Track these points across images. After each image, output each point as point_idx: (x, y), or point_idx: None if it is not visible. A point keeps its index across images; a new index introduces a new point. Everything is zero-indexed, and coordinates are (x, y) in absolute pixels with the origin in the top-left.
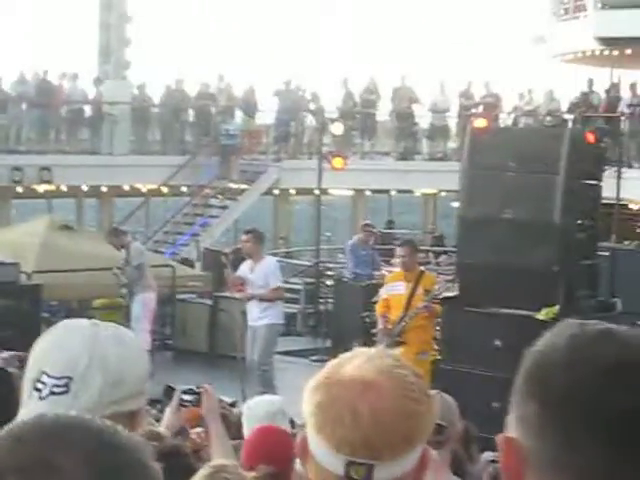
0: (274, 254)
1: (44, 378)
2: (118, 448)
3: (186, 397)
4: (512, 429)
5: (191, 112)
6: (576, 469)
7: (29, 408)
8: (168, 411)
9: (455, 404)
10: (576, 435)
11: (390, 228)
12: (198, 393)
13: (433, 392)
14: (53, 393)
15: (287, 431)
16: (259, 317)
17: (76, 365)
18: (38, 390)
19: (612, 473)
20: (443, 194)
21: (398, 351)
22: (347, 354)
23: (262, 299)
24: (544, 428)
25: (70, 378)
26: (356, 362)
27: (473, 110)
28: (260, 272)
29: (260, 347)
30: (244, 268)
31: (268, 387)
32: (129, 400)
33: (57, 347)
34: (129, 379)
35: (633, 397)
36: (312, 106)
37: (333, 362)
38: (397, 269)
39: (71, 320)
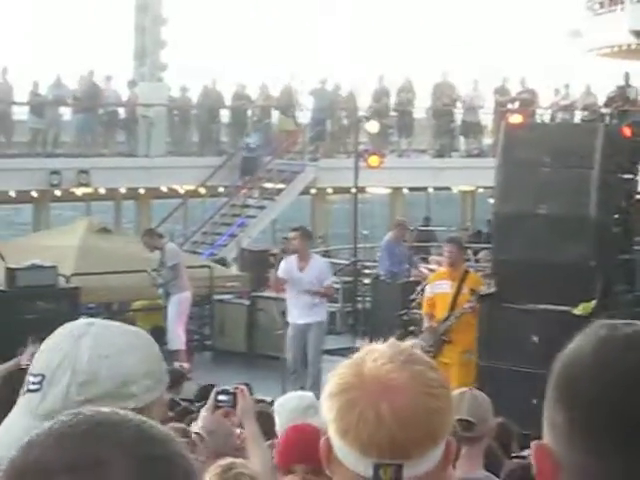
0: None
1: (29, 377)
2: (155, 440)
3: (221, 397)
4: (545, 435)
5: (227, 113)
6: (604, 477)
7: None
8: (203, 411)
9: (488, 401)
10: (603, 442)
11: (427, 225)
12: (233, 394)
13: (464, 389)
14: (29, 390)
15: (318, 428)
16: (308, 315)
17: (49, 363)
18: (29, 390)
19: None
20: (481, 191)
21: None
22: (359, 354)
23: (315, 295)
24: (572, 434)
25: (43, 376)
26: (371, 362)
27: (509, 106)
28: (313, 270)
29: (312, 345)
30: (288, 267)
31: (317, 386)
32: (108, 400)
33: (45, 346)
34: (104, 379)
35: None
36: (347, 105)
37: (346, 364)
38: (435, 267)
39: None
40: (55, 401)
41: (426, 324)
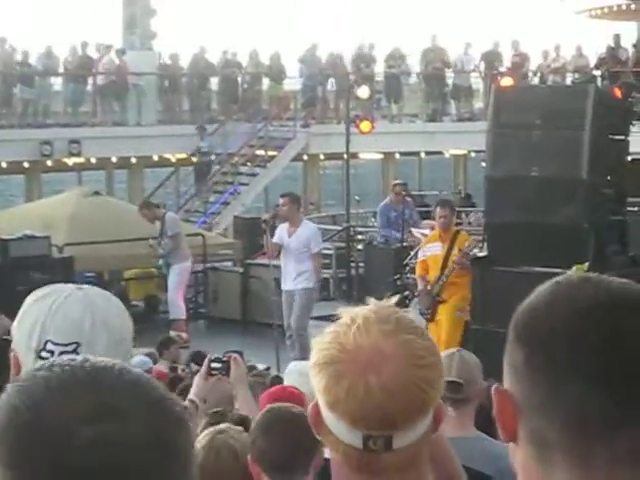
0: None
1: (49, 346)
2: (150, 385)
3: (214, 365)
4: (505, 380)
5: (217, 80)
6: (565, 409)
7: None
8: (196, 378)
9: (477, 362)
10: (562, 374)
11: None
12: (227, 361)
13: (453, 350)
14: None
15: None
16: (295, 281)
17: (81, 329)
18: (44, 359)
19: (600, 409)
20: (473, 154)
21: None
22: (343, 320)
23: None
24: (532, 372)
25: (77, 343)
26: (357, 331)
27: (500, 69)
28: (301, 236)
29: (296, 312)
30: (281, 233)
31: (304, 352)
32: (128, 354)
33: (56, 315)
34: (127, 335)
35: (610, 333)
36: (337, 71)
37: (330, 332)
38: (427, 231)
39: (50, 288)
40: None
41: (420, 287)
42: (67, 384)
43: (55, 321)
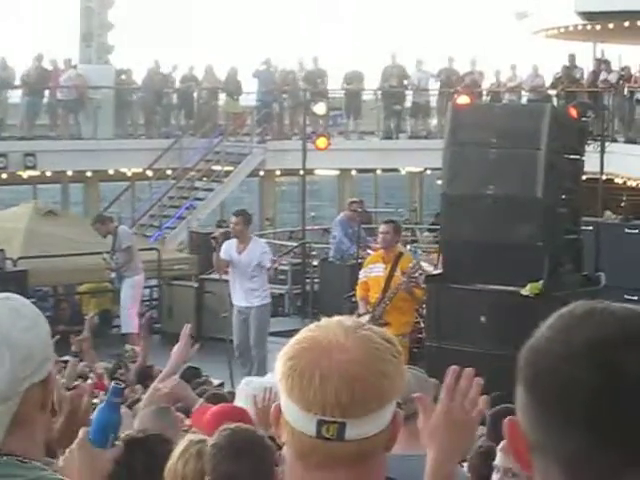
0: (261, 235)
1: None
2: None
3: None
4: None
5: (174, 96)
6: (555, 453)
7: None
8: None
9: (419, 378)
10: (554, 418)
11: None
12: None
13: None
14: None
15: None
16: (250, 298)
17: None
18: None
19: (589, 457)
20: (428, 172)
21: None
22: (317, 322)
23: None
24: (529, 412)
25: None
26: (324, 328)
27: (456, 87)
28: (252, 252)
29: (255, 330)
30: (228, 249)
31: (263, 369)
32: (40, 369)
33: None
34: (36, 351)
35: (605, 378)
36: (291, 87)
37: (303, 329)
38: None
39: None
40: (3, 382)
41: (361, 309)
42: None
43: None
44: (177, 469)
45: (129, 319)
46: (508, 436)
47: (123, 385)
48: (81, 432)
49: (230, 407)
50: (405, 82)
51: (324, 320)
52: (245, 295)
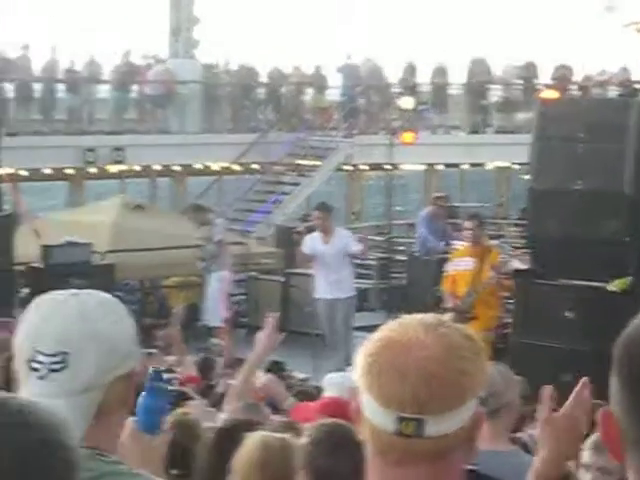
0: (347, 230)
1: (39, 357)
2: (31, 427)
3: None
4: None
5: (262, 90)
6: None
7: (29, 389)
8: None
9: (505, 375)
10: None
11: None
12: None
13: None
14: (53, 370)
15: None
16: (336, 290)
17: (68, 339)
18: (35, 370)
19: None
20: (516, 167)
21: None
22: (398, 319)
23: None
24: (623, 405)
25: (66, 353)
26: (404, 325)
27: (542, 82)
28: (338, 242)
29: (342, 321)
30: (312, 243)
31: (348, 362)
32: (124, 363)
33: (45, 324)
34: (120, 343)
35: None
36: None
37: (384, 326)
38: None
39: (49, 294)
40: (89, 374)
41: (449, 303)
42: None
43: (45, 330)
44: (252, 458)
45: (216, 312)
46: (602, 427)
47: (162, 368)
48: (128, 422)
49: (335, 401)
50: (490, 77)
51: (405, 317)
52: (330, 288)
